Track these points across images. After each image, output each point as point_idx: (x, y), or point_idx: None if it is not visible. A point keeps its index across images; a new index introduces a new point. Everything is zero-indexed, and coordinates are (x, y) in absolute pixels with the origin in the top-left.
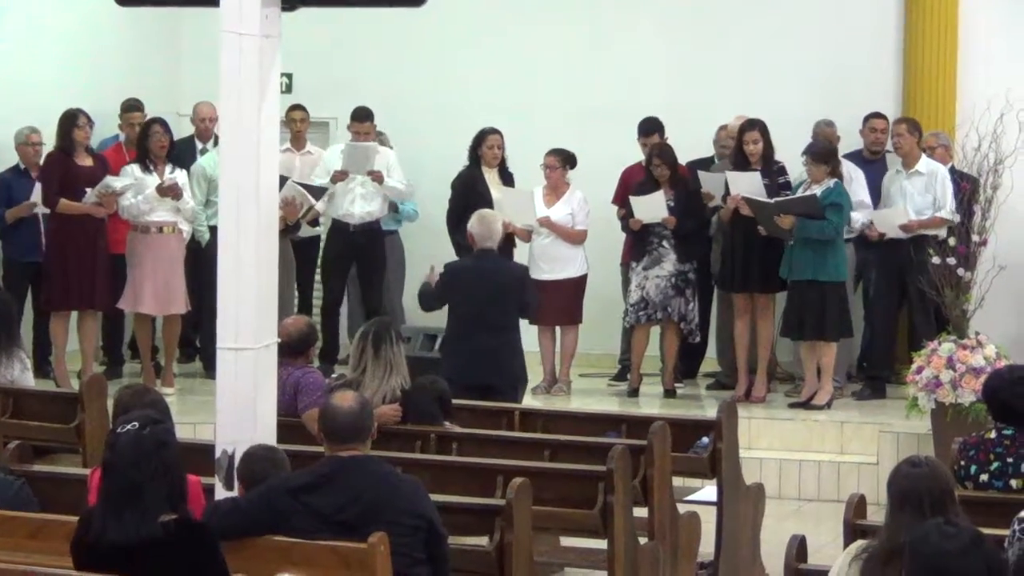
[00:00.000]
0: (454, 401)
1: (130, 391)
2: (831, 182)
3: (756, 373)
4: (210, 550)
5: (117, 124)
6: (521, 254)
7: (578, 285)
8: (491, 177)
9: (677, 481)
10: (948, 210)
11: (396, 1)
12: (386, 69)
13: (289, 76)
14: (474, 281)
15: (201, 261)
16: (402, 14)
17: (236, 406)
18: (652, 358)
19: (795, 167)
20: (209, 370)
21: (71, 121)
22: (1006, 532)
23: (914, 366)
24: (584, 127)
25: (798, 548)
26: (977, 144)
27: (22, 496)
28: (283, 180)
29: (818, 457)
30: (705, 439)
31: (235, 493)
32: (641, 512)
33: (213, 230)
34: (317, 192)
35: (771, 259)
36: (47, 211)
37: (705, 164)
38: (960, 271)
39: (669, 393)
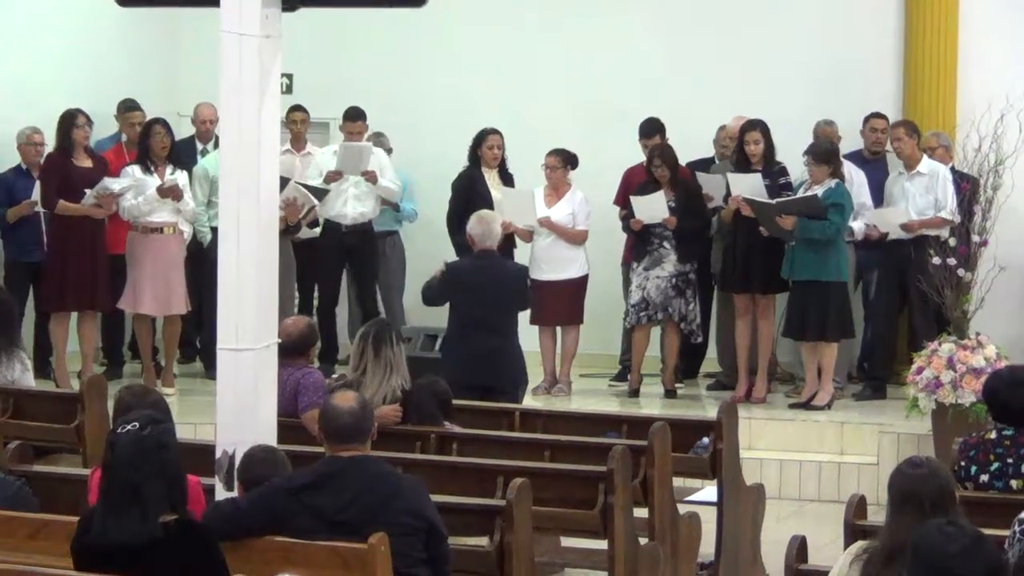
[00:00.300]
0: (454, 401)
1: (131, 391)
2: (832, 182)
3: (756, 374)
4: (210, 551)
5: (116, 125)
6: (522, 255)
7: (579, 285)
8: (491, 177)
9: (677, 481)
10: (949, 210)
11: (397, 1)
12: (386, 69)
13: (289, 76)
14: (474, 282)
15: (202, 262)
16: (402, 15)
17: (236, 407)
18: (653, 358)
19: (795, 167)
20: (210, 370)
21: (70, 121)
22: (1006, 533)
23: (914, 367)
24: (585, 128)
25: (798, 548)
26: (977, 144)
27: (22, 496)
28: (284, 181)
29: (818, 458)
30: (705, 439)
31: (235, 494)
32: (641, 512)
33: (215, 231)
34: (319, 193)
35: (772, 259)
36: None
37: (705, 165)
38: (960, 272)
39: (669, 393)
